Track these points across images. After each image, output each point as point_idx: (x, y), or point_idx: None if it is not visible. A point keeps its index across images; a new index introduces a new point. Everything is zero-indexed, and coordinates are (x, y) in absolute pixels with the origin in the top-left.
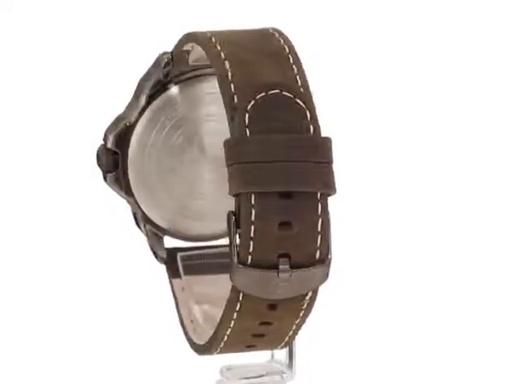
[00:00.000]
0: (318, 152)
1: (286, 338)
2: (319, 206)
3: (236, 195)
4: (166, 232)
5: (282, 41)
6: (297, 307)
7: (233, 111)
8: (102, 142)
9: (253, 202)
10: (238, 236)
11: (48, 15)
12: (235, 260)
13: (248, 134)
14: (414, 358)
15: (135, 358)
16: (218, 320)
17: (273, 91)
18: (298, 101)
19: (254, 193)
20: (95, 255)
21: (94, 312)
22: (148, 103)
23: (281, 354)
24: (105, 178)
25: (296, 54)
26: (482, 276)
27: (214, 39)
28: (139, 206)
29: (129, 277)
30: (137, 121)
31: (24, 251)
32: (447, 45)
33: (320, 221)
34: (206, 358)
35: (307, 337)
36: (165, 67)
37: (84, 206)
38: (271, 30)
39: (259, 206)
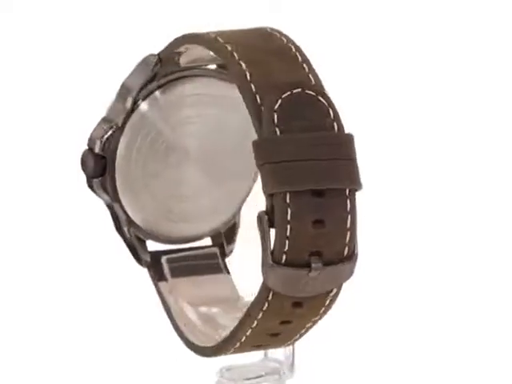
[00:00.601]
0: (344, 149)
1: (297, 336)
2: (348, 202)
3: (270, 195)
4: (149, 235)
5: (284, 40)
6: (320, 304)
7: (258, 111)
8: (87, 147)
9: (288, 201)
10: (271, 236)
11: (48, 15)
12: (269, 259)
13: (278, 133)
14: (414, 357)
15: (134, 358)
16: (220, 321)
17: (296, 90)
18: (321, 98)
19: (289, 192)
20: (91, 257)
21: (92, 314)
22: (135, 106)
23: (274, 351)
24: (90, 185)
25: (303, 52)
26: (492, 276)
27: (220, 39)
28: (125, 211)
29: (128, 277)
30: (124, 124)
31: (12, 255)
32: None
33: (349, 217)
34: (205, 358)
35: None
36: (153, 69)
37: (70, 209)
38: (269, 30)
39: (295, 205)
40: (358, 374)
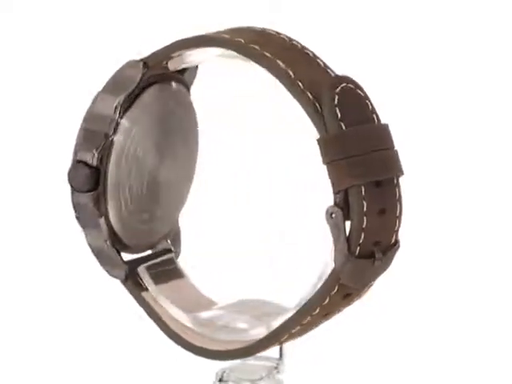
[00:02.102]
0: (388, 139)
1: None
2: (397, 190)
3: (342, 190)
4: (125, 246)
5: (286, 38)
6: (358, 295)
7: (314, 107)
8: (74, 161)
9: (363, 193)
10: (345, 229)
11: (48, 15)
12: (346, 252)
13: (344, 127)
14: (414, 357)
15: (133, 359)
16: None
17: (344, 84)
18: (359, 92)
19: (363, 185)
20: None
21: (92, 315)
22: (123, 114)
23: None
24: (76, 202)
25: (310, 49)
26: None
27: (242, 40)
28: (109, 222)
29: None
30: (114, 133)
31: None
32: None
33: (398, 205)
34: (203, 359)
35: None
36: (141, 77)
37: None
38: (261, 28)
39: (368, 197)
40: (357, 374)
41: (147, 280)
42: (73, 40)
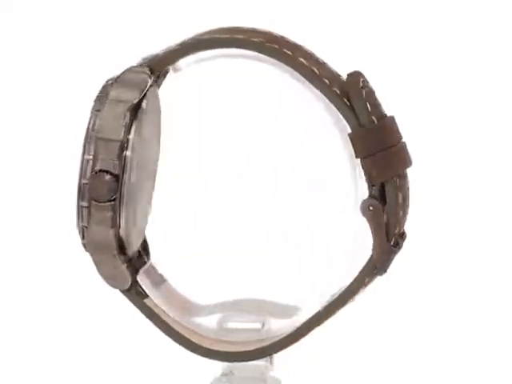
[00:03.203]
0: (399, 131)
1: None
2: (407, 181)
3: (378, 183)
4: (126, 255)
5: (285, 37)
6: None
7: (343, 103)
8: (98, 170)
9: (398, 185)
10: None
11: (48, 15)
12: (385, 242)
13: (376, 121)
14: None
15: (132, 359)
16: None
17: (363, 79)
18: (371, 86)
19: (398, 176)
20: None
21: (94, 315)
22: (133, 118)
23: None
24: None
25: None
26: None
27: (256, 39)
28: (118, 233)
29: None
30: (127, 139)
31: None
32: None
33: (408, 196)
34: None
35: None
36: (149, 82)
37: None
38: (252, 27)
39: (401, 189)
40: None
41: (148, 286)
42: (72, 40)
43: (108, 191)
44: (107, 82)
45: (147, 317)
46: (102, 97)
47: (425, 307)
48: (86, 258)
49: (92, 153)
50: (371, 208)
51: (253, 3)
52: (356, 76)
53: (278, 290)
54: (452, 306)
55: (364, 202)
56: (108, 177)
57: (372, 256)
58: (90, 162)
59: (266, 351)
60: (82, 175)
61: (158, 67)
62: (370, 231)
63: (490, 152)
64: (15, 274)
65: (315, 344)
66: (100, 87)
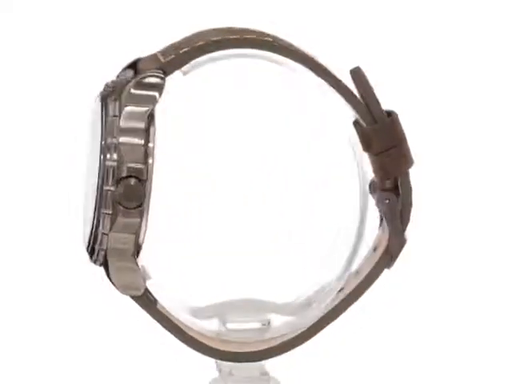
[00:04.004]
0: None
1: None
2: None
3: (392, 176)
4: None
5: (271, 35)
6: None
7: (356, 99)
8: (125, 176)
9: (409, 178)
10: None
11: (48, 15)
12: (401, 231)
13: (387, 116)
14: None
15: (131, 359)
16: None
17: (362, 75)
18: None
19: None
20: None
21: (94, 315)
22: (151, 123)
23: None
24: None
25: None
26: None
27: (270, 38)
28: (137, 238)
29: None
30: (148, 141)
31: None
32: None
33: None
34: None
35: None
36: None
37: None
38: (240, 27)
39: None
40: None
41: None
42: (72, 39)
43: (138, 197)
44: (121, 81)
45: (159, 321)
46: (116, 99)
47: (425, 307)
48: (82, 260)
49: (115, 158)
50: (387, 201)
51: (243, 2)
52: (360, 72)
53: (282, 289)
54: (451, 306)
55: (381, 195)
56: (136, 182)
57: (388, 247)
58: (114, 168)
59: (272, 351)
60: (104, 182)
61: (170, 68)
62: (374, 228)
63: (489, 150)
64: (14, 274)
65: (315, 344)
66: (109, 88)
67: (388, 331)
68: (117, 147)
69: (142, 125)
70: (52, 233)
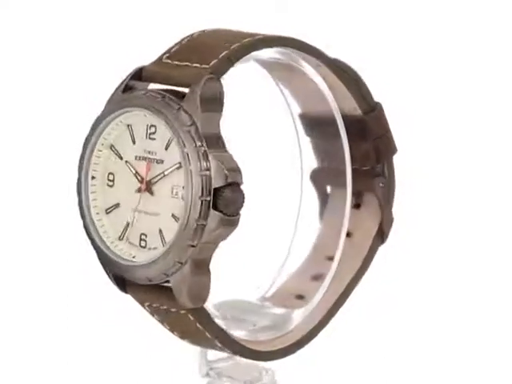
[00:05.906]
0: None
1: None
2: None
3: (387, 162)
4: None
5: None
6: None
7: (355, 87)
8: (230, 182)
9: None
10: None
11: (46, 13)
12: (392, 213)
13: (378, 106)
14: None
15: (131, 359)
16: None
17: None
18: None
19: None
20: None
21: (92, 314)
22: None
23: None
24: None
25: None
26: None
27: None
28: None
29: None
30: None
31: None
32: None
33: None
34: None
35: None
36: None
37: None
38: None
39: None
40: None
41: None
42: (72, 39)
43: (241, 204)
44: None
45: (216, 336)
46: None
47: (424, 307)
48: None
49: (206, 167)
50: (381, 184)
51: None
52: (346, 63)
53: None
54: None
55: (376, 180)
56: (239, 188)
57: (379, 229)
58: (208, 176)
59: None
60: (202, 192)
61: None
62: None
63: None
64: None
65: (315, 344)
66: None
67: (388, 331)
68: (207, 155)
69: (218, 130)
70: (56, 234)
